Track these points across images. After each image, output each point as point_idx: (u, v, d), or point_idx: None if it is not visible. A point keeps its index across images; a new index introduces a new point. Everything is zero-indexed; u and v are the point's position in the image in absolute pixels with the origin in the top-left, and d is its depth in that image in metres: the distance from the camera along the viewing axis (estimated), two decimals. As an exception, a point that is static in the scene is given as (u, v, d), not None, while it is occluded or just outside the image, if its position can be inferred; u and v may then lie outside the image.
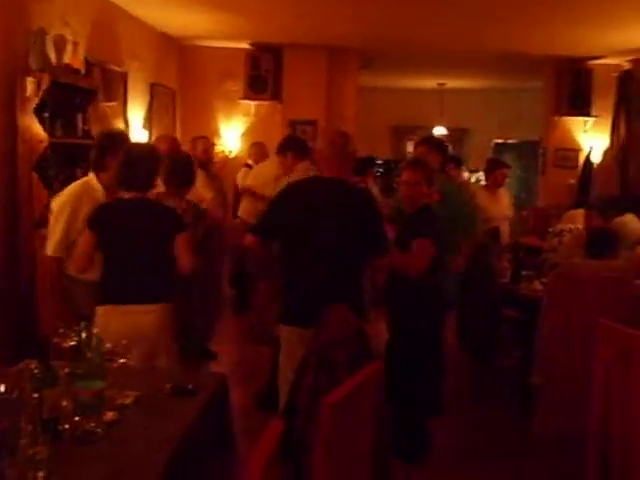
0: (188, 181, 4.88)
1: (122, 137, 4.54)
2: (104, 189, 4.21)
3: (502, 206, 7.30)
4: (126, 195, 3.80)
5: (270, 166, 7.57)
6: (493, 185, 7.30)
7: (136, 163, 3.81)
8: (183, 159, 5.03)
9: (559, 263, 5.65)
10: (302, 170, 5.52)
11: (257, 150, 8.89)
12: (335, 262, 3.68)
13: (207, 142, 7.36)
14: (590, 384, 3.58)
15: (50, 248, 4.17)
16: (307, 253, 3.72)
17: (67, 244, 4.12)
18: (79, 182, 4.35)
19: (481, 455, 4.79)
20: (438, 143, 5.70)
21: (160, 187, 4.63)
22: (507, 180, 7.72)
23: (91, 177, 4.28)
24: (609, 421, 3.39)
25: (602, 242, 5.22)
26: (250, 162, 8.75)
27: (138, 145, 4.87)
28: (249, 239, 3.96)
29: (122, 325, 3.50)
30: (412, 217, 4.43)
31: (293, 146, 6.04)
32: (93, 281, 3.85)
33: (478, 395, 5.83)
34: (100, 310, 3.65)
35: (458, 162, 9.35)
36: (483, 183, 8.63)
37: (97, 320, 3.52)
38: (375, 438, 2.51)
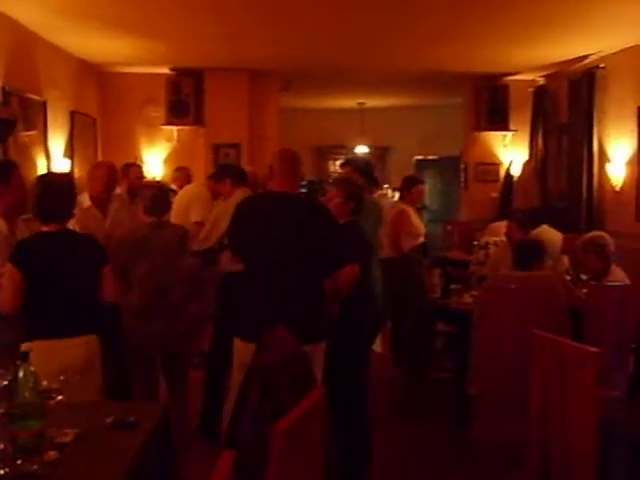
0: (170, 209, 4.93)
1: (9, 165, 4.37)
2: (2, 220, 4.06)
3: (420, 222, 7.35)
4: (44, 228, 3.70)
5: (194, 189, 7.60)
6: (411, 202, 7.26)
7: (57, 194, 3.76)
8: (165, 188, 5.06)
9: (488, 275, 5.76)
10: (239, 196, 5.55)
11: (180, 174, 8.85)
12: (292, 277, 3.71)
13: (140, 169, 7.20)
14: (525, 392, 3.66)
15: None
16: (265, 268, 3.75)
17: None
18: None
19: (419, 467, 4.82)
20: (359, 164, 5.77)
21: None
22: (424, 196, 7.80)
23: None
24: (547, 427, 3.46)
25: (529, 253, 5.35)
26: (174, 187, 8.66)
27: (56, 175, 4.76)
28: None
29: (54, 360, 3.39)
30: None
31: (231, 173, 6.06)
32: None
33: (413, 408, 5.88)
34: (27, 347, 3.44)
35: (374, 182, 9.38)
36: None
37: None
38: (325, 461, 2.51)
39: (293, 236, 3.73)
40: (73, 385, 3.36)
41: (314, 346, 3.61)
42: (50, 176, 4.51)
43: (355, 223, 4.50)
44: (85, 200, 5.17)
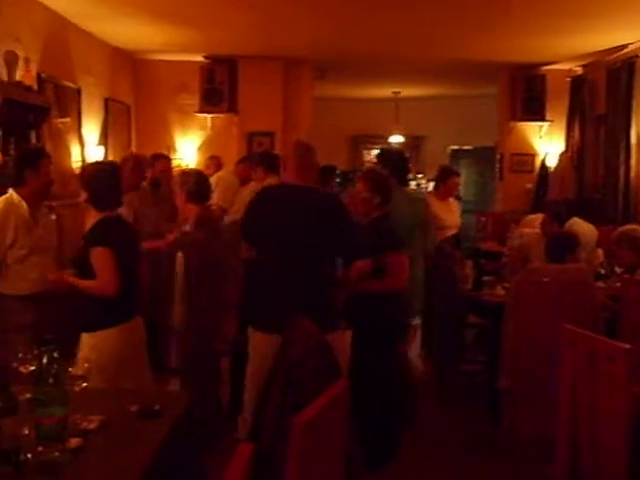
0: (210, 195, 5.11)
1: (39, 152, 4.53)
2: (26, 203, 4.23)
3: (456, 215, 7.22)
4: (98, 215, 3.86)
5: (222, 175, 7.68)
6: (445, 194, 7.12)
7: (113, 182, 3.95)
8: (205, 175, 5.16)
9: (523, 264, 5.68)
10: (267, 183, 5.61)
11: (212, 163, 8.97)
12: (306, 267, 3.71)
13: (168, 162, 7.06)
14: (556, 386, 3.60)
15: None
16: (278, 258, 3.76)
17: None
18: (1, 199, 4.28)
19: (447, 460, 4.78)
20: (386, 157, 5.69)
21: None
22: (459, 188, 7.69)
23: (12, 193, 4.25)
24: (578, 422, 3.40)
25: (561, 246, 5.27)
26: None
27: (107, 164, 4.83)
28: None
29: (132, 339, 3.81)
30: (369, 227, 4.41)
31: (264, 161, 6.16)
32: (25, 295, 4.09)
33: (443, 401, 5.83)
34: (112, 332, 3.72)
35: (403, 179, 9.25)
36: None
37: (105, 343, 3.67)
38: (346, 453, 2.48)
39: (303, 227, 3.72)
40: (133, 366, 3.75)
41: (334, 334, 3.59)
42: (104, 165, 4.61)
43: (385, 217, 4.44)
44: None
